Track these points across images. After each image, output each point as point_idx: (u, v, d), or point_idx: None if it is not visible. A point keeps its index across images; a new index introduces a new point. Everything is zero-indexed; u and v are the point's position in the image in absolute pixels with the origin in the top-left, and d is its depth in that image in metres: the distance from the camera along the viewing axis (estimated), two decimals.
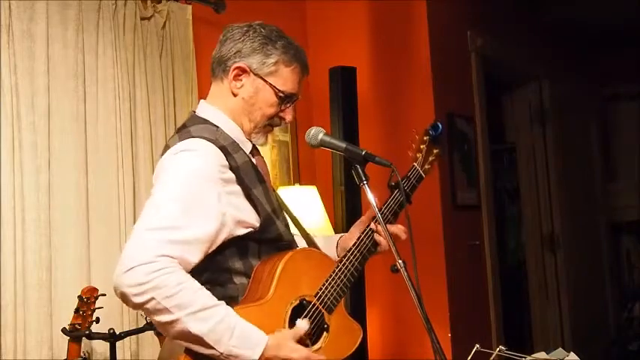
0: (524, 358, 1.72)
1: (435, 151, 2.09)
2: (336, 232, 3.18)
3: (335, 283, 1.84)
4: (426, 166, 2.07)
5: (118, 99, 2.83)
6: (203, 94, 3.23)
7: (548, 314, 5.17)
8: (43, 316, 2.52)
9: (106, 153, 2.79)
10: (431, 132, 2.05)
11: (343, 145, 1.86)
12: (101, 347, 2.62)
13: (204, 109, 1.86)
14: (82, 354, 2.35)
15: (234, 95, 1.82)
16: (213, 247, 1.69)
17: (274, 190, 1.96)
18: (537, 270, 5.23)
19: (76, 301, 2.34)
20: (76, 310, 2.34)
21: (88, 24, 2.78)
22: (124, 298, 1.56)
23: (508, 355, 1.73)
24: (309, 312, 1.78)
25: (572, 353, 1.76)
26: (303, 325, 1.73)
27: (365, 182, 1.79)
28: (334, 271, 1.85)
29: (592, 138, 6.02)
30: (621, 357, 5.82)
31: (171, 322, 1.56)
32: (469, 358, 1.80)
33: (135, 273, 1.53)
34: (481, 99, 4.16)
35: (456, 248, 3.75)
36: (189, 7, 3.17)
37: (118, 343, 2.45)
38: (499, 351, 1.73)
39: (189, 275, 1.60)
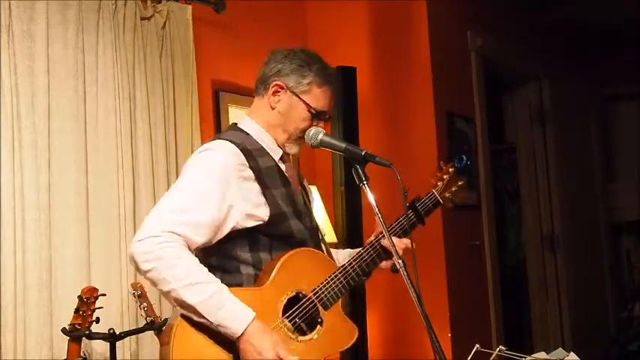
0: (524, 358, 1.72)
1: (460, 182, 2.22)
2: (336, 232, 3.19)
3: (334, 282, 1.96)
4: (447, 194, 2.18)
5: (117, 99, 2.83)
6: (202, 94, 3.27)
7: (548, 314, 5.17)
8: (43, 316, 2.52)
9: (106, 153, 2.79)
10: (456, 164, 2.21)
11: (343, 145, 1.89)
12: (101, 347, 2.62)
13: (244, 121, 2.07)
14: (82, 354, 2.34)
15: (273, 108, 2.02)
16: (221, 235, 1.88)
17: (308, 198, 2.14)
18: (537, 270, 5.23)
19: (76, 301, 2.34)
20: (76, 310, 2.33)
21: (88, 24, 2.78)
22: (135, 263, 1.80)
23: (508, 355, 1.73)
24: (303, 303, 1.90)
25: (572, 353, 1.76)
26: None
27: (365, 182, 1.82)
28: (334, 272, 1.97)
29: (592, 138, 6.02)
30: (621, 357, 5.82)
31: (169, 291, 1.78)
32: (469, 358, 1.79)
33: (144, 243, 1.77)
34: (481, 99, 4.16)
35: (456, 248, 3.75)
36: (189, 7, 3.17)
37: (118, 343, 2.45)
38: (499, 351, 1.73)
39: (189, 252, 1.80)
